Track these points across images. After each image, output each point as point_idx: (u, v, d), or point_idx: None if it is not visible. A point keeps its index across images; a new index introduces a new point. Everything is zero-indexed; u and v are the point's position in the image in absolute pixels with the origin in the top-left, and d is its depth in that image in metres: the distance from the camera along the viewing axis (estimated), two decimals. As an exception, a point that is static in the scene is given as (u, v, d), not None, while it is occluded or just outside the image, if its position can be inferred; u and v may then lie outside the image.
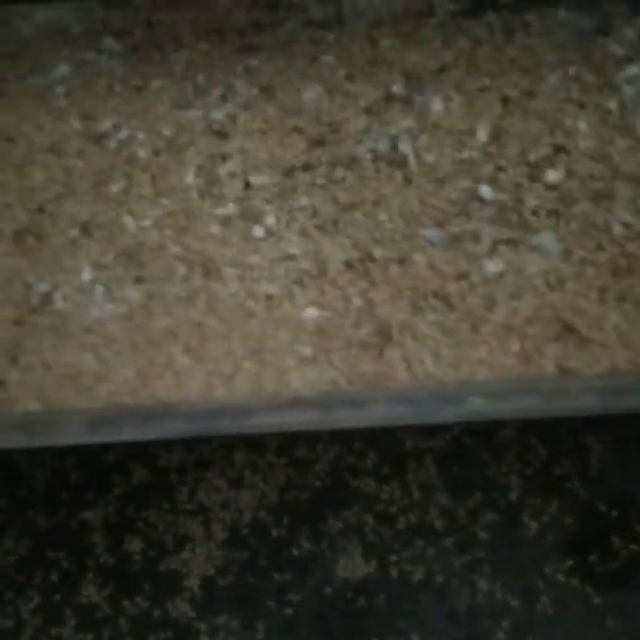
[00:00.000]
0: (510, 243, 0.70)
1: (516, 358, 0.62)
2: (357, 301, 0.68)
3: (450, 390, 0.57)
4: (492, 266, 0.68)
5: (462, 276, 0.68)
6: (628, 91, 0.80)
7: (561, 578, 0.93)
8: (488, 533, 0.95)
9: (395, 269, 0.69)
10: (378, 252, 0.71)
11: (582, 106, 0.79)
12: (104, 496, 1.00)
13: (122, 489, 1.00)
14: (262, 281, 0.69)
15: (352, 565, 0.95)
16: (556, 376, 0.58)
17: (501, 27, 0.86)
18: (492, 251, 0.69)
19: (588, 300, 0.64)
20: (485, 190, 0.73)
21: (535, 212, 0.72)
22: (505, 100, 0.81)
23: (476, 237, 0.70)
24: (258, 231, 0.74)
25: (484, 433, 1.04)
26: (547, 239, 0.69)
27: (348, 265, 0.71)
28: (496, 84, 0.82)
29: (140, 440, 0.63)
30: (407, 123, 0.79)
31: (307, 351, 0.65)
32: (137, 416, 0.58)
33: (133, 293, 0.68)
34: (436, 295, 0.67)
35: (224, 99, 0.83)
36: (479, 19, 0.87)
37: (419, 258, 0.70)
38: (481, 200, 0.73)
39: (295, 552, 0.96)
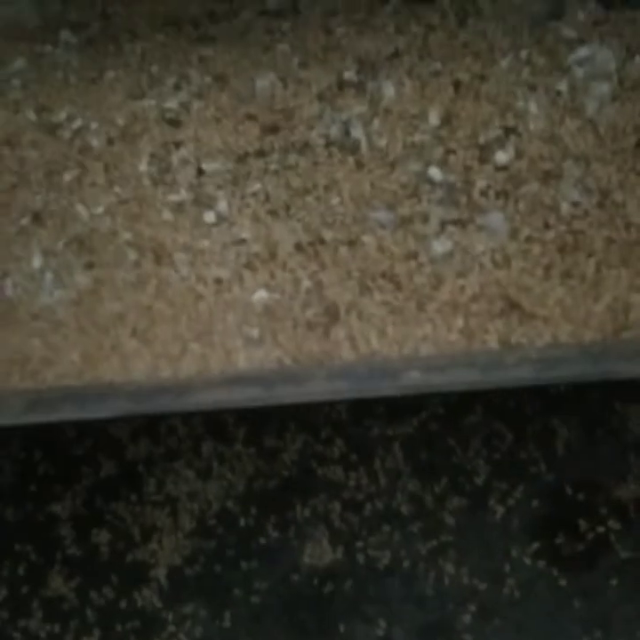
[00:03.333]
0: (459, 223, 0.70)
1: (460, 334, 0.63)
2: (306, 283, 0.68)
3: (388, 365, 0.58)
4: (440, 246, 0.68)
5: (410, 256, 0.68)
6: (579, 72, 0.81)
7: (527, 561, 0.93)
8: (455, 518, 0.96)
9: (344, 251, 0.70)
10: (328, 235, 0.71)
11: (533, 88, 0.79)
12: (72, 488, 1.01)
13: (90, 481, 1.00)
14: (212, 265, 0.70)
15: (319, 552, 0.95)
16: (498, 350, 0.59)
17: (454, 12, 0.87)
18: (441, 231, 0.70)
19: (533, 277, 0.65)
20: (435, 172, 0.74)
21: (484, 193, 0.72)
22: (457, 84, 0.81)
23: (425, 219, 0.71)
24: (209, 217, 0.74)
25: (450, 419, 1.05)
26: (495, 219, 0.70)
27: (299, 248, 0.71)
28: (448, 68, 0.82)
29: (85, 419, 0.63)
30: (359, 108, 0.80)
31: (254, 332, 0.66)
32: (76, 396, 0.59)
33: (83, 279, 0.68)
34: (384, 275, 0.67)
35: (178, 88, 0.83)
36: (433, 5, 0.88)
37: (368, 240, 0.71)
38: (431, 182, 0.74)
39: (262, 541, 0.96)
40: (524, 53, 0.83)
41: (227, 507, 0.98)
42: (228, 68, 0.85)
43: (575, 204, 0.70)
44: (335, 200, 0.74)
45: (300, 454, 1.01)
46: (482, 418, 1.03)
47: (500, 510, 0.95)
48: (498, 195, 0.72)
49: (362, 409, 1.02)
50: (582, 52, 0.82)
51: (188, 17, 0.90)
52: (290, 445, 1.02)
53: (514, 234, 0.69)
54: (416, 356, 0.58)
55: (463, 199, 0.72)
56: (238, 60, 0.85)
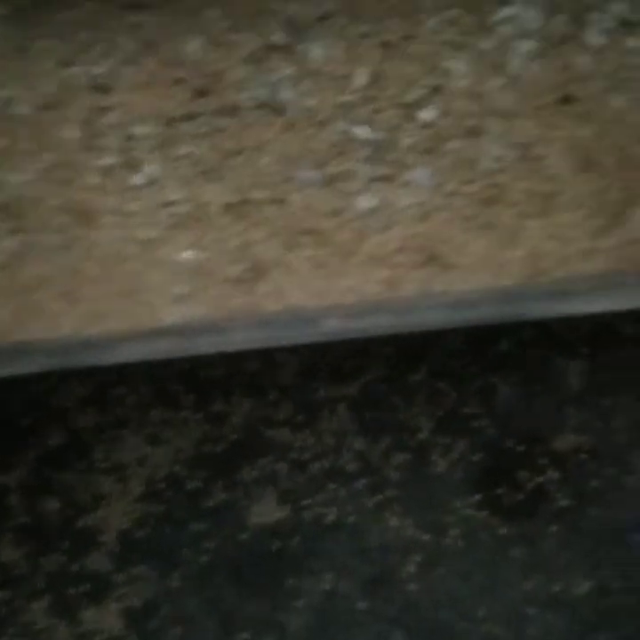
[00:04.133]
0: (384, 179, 0.72)
1: (382, 285, 0.64)
2: (234, 241, 0.69)
3: (307, 313, 0.59)
4: (366, 202, 0.69)
5: (336, 213, 0.69)
6: (503, 31, 0.82)
7: (469, 511, 0.96)
8: (399, 473, 0.98)
9: (272, 210, 0.71)
10: (256, 195, 0.72)
11: (458, 47, 0.80)
12: (20, 459, 1.02)
13: (38, 451, 1.01)
14: (141, 227, 0.70)
15: (266, 511, 0.97)
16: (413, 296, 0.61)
17: (384, -26, 0.88)
18: (366, 188, 0.71)
19: (454, 229, 0.67)
20: (362, 131, 0.75)
21: (410, 150, 0.74)
22: (385, 45, 0.82)
23: (351, 176, 0.72)
24: (139, 179, 0.74)
25: (394, 379, 1.07)
26: (419, 174, 0.71)
27: (228, 208, 0.72)
28: (377, 29, 0.83)
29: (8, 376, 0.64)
30: (288, 70, 0.80)
31: (182, 290, 0.67)
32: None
33: (9, 244, 0.69)
34: (310, 232, 0.68)
35: (107, 55, 0.83)
36: (363, -33, 0.89)
37: (295, 198, 0.72)
38: (358, 141, 0.75)
39: (210, 502, 0.98)
40: (451, 13, 0.84)
41: (175, 471, 0.99)
42: (158, 33, 0.85)
43: (497, 159, 0.72)
44: (264, 161, 0.75)
45: (247, 418, 1.02)
46: (425, 377, 1.06)
47: (443, 464, 0.98)
48: (423, 152, 0.74)
49: (308, 372, 1.04)
50: (507, 10, 0.83)
51: (119, -17, 0.90)
52: (237, 409, 1.03)
53: (437, 188, 0.70)
54: (334, 305, 0.60)
55: (389, 156, 0.73)
56: (168, 25, 0.85)
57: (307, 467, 0.99)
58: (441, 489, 0.97)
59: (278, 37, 0.88)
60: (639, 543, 0.87)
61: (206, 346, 0.63)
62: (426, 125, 0.75)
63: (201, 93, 0.82)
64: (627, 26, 0.85)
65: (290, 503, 0.97)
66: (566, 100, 0.77)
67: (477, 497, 0.96)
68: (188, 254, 0.70)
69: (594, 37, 0.83)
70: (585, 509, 0.95)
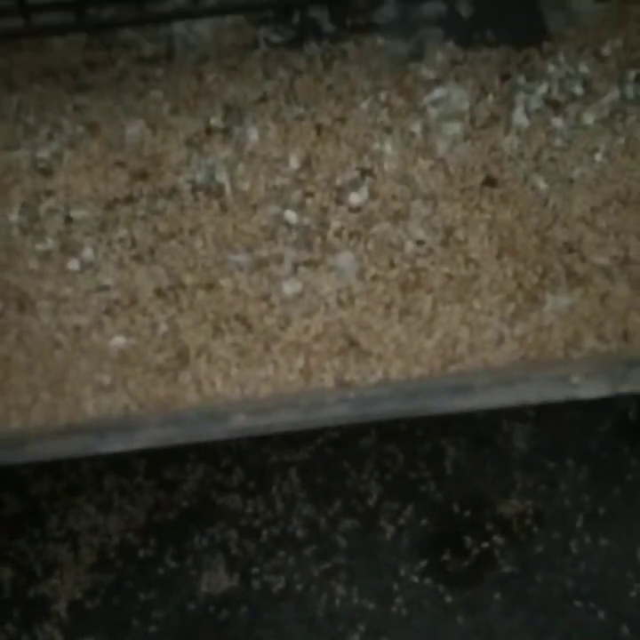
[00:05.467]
0: (310, 264, 0.74)
1: (299, 374, 0.66)
2: (163, 327, 0.71)
3: (217, 409, 0.61)
4: (291, 287, 0.71)
5: (263, 297, 0.71)
6: (433, 113, 0.84)
7: (415, 579, 0.97)
8: (347, 540, 0.99)
9: (202, 295, 0.73)
10: (188, 279, 0.74)
11: (389, 130, 0.83)
12: None
13: (-9, 519, 1.03)
14: (73, 312, 0.72)
15: (215, 580, 0.98)
16: (332, 389, 0.62)
17: (321, 56, 0.91)
18: (293, 273, 0.73)
19: (373, 315, 0.68)
20: (291, 215, 0.77)
21: (338, 234, 0.76)
22: (319, 128, 0.85)
23: (279, 260, 0.74)
24: (74, 264, 0.76)
25: (345, 443, 1.08)
26: (344, 259, 0.73)
27: (159, 293, 0.74)
28: (311, 112, 0.86)
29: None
30: (225, 153, 0.83)
31: (105, 379, 0.69)
32: None
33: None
34: (237, 318, 0.70)
35: (51, 137, 0.85)
36: (301, 50, 0.92)
37: (225, 283, 0.74)
38: (288, 225, 0.77)
39: (160, 571, 0.99)
40: (383, 95, 0.87)
41: (127, 539, 1.00)
42: (101, 115, 0.87)
43: (420, 243, 0.74)
44: (198, 244, 0.77)
45: (200, 484, 1.04)
46: (375, 440, 1.07)
47: (391, 530, 0.99)
48: (350, 235, 0.76)
49: (261, 437, 1.05)
50: (438, 92, 0.86)
51: (67, 67, 0.92)
52: (190, 476, 1.04)
53: (361, 273, 0.72)
54: (245, 399, 0.61)
55: (318, 240, 0.75)
56: (111, 107, 0.88)
57: (257, 534, 1.00)
58: (388, 555, 0.98)
59: (217, 120, 0.91)
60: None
61: (116, 445, 0.64)
62: (354, 209, 0.77)
63: (140, 176, 0.84)
64: (552, 106, 0.88)
65: (239, 572, 0.98)
66: (490, 182, 0.79)
67: (423, 563, 0.96)
68: (116, 341, 0.72)
69: (520, 118, 0.86)
70: (529, 575, 0.96)
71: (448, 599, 0.93)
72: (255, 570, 0.96)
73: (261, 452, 1.06)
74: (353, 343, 0.66)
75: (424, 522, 0.98)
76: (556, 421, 1.05)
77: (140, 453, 1.09)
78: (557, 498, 0.98)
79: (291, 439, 1.06)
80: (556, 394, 0.62)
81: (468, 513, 0.98)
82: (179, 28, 0.95)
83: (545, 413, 1.06)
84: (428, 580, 0.94)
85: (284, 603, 0.95)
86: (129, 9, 0.88)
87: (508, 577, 0.94)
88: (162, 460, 1.06)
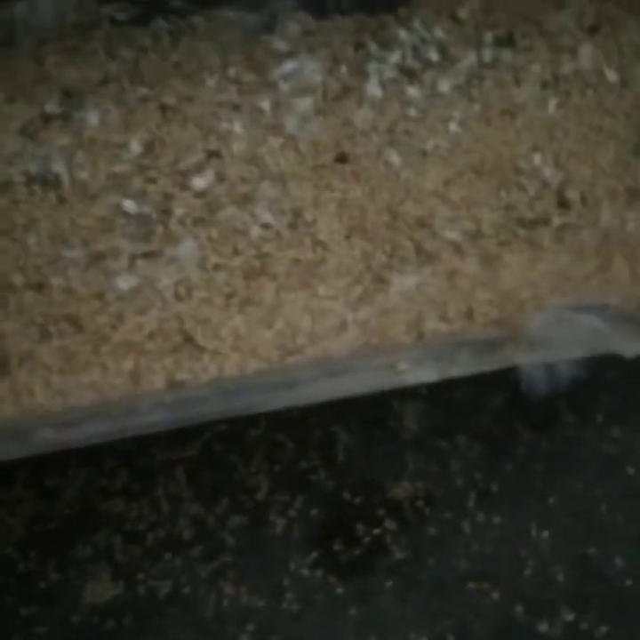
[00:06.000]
0: (149, 256, 0.69)
1: (127, 377, 0.62)
2: (-13, 335, 0.67)
3: (20, 423, 0.57)
4: (126, 282, 0.67)
5: (97, 295, 0.67)
6: (284, 87, 0.80)
7: (306, 572, 0.93)
8: (235, 537, 0.95)
9: (31, 296, 0.68)
10: (18, 280, 0.69)
11: (237, 108, 0.78)
12: None
13: None
14: None
15: (100, 589, 0.93)
16: (164, 391, 0.59)
17: (168, 33, 0.85)
18: (129, 266, 0.69)
19: (212, 308, 0.65)
20: (130, 205, 0.72)
21: (181, 222, 0.71)
22: (164, 109, 0.80)
23: (116, 254, 0.70)
24: None
25: (233, 435, 1.04)
26: (185, 249, 0.69)
27: (-15, 297, 0.69)
28: (156, 92, 0.81)
29: None
30: (63, 141, 0.77)
31: None
32: None
33: None
34: (67, 319, 0.65)
35: None
36: (147, 27, 0.86)
37: (57, 281, 0.69)
38: (126, 215, 0.73)
39: (42, 584, 0.94)
40: (232, 71, 0.82)
41: (6, 553, 0.95)
42: None
43: (266, 227, 0.70)
44: (32, 240, 0.72)
45: (82, 491, 0.99)
46: (264, 431, 1.04)
47: (281, 523, 0.95)
48: (194, 223, 0.72)
49: (147, 436, 1.01)
50: (289, 65, 0.82)
51: None
52: (72, 482, 1.00)
53: (202, 263, 0.68)
54: (51, 412, 0.57)
55: (159, 230, 0.71)
56: (-58, 98, 0.83)
57: (142, 538, 0.96)
58: (278, 550, 0.94)
59: (54, 106, 0.85)
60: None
61: None
62: (199, 194, 0.73)
63: None
64: (406, 74, 0.84)
65: (124, 578, 0.94)
66: (342, 158, 0.75)
67: (314, 555, 0.93)
68: None
69: (374, 89, 0.82)
70: (422, 560, 0.94)
71: (339, 590, 0.90)
72: (141, 575, 0.92)
73: (147, 453, 1.02)
74: (188, 339, 0.62)
75: (315, 512, 0.95)
76: (448, 398, 1.03)
77: (18, 461, 1.05)
78: (449, 478, 0.96)
79: (177, 436, 1.02)
80: (383, 383, 0.60)
81: (359, 499, 0.95)
82: (20, 9, 0.89)
83: (436, 391, 1.03)
84: (319, 573, 0.91)
85: (170, 607, 0.91)
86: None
87: (399, 563, 0.91)
88: (42, 466, 1.01)
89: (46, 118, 0.80)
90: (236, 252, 0.69)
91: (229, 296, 0.65)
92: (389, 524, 0.94)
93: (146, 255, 0.68)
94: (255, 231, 0.70)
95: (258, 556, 0.94)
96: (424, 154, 0.74)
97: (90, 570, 0.94)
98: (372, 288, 0.65)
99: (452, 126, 0.76)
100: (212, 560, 0.93)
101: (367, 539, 0.93)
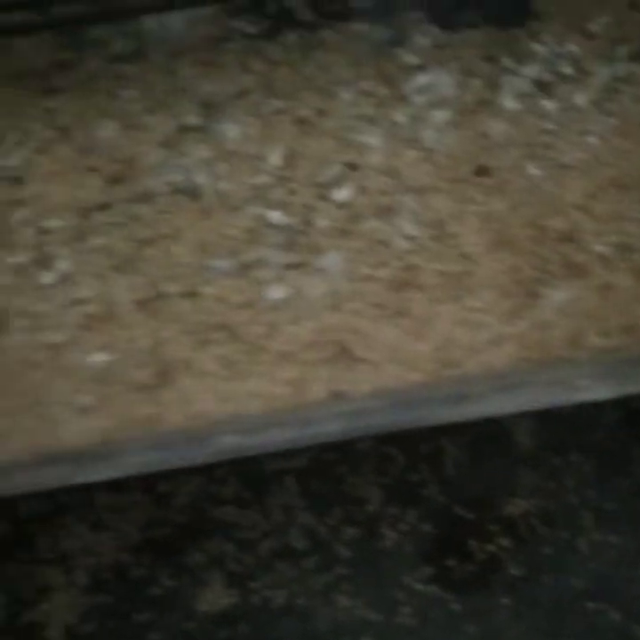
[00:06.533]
0: (297, 267, 0.70)
1: (288, 387, 0.62)
2: (145, 342, 0.67)
3: (202, 431, 0.57)
4: (277, 292, 0.68)
5: (248, 304, 0.68)
6: (418, 100, 0.81)
7: (420, 587, 0.93)
8: (348, 549, 0.96)
9: (184, 305, 0.69)
10: (169, 288, 0.70)
11: (373, 121, 0.79)
12: None
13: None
14: (49, 329, 0.69)
15: (213, 597, 0.94)
16: (325, 401, 0.59)
17: (299, 46, 0.87)
18: (279, 277, 0.69)
19: (364, 319, 0.65)
20: (275, 215, 0.74)
21: (324, 233, 0.72)
22: (299, 122, 0.81)
23: (264, 264, 0.70)
24: (48, 277, 0.73)
25: (342, 448, 1.04)
26: (331, 260, 0.70)
27: (139, 304, 0.70)
28: (291, 105, 0.82)
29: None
30: (203, 152, 0.79)
31: (85, 400, 0.65)
32: None
33: None
34: (221, 327, 0.66)
35: (20, 144, 0.81)
36: (277, 40, 0.88)
37: (208, 290, 0.70)
38: (271, 226, 0.74)
39: (156, 591, 0.95)
40: (365, 84, 0.83)
41: (120, 559, 0.97)
42: (73, 119, 0.84)
43: (410, 238, 0.70)
44: (178, 250, 0.74)
45: (194, 498, 1.00)
46: (373, 443, 1.04)
47: (393, 536, 0.95)
48: (337, 234, 0.72)
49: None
50: (422, 79, 0.82)
51: (35, 69, 0.88)
52: (183, 489, 1.01)
53: (349, 274, 0.69)
54: (232, 418, 0.57)
55: (303, 241, 0.72)
56: (83, 109, 0.84)
57: (254, 547, 0.97)
58: (390, 564, 0.94)
59: (193, 118, 0.87)
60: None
61: (96, 474, 0.61)
62: (340, 206, 0.74)
63: (115, 180, 0.81)
64: (541, 88, 0.84)
65: (237, 587, 0.94)
66: (481, 171, 0.75)
67: (428, 570, 0.93)
68: (94, 359, 0.68)
69: (509, 102, 0.82)
70: (538, 577, 0.93)
71: (455, 606, 0.90)
72: (254, 584, 0.92)
73: (256, 461, 1.03)
74: (344, 350, 0.62)
75: (426, 526, 0.94)
76: (560, 414, 1.02)
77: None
78: (563, 495, 0.95)
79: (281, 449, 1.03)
80: (561, 398, 0.59)
81: (471, 515, 0.95)
82: (149, 23, 0.91)
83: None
84: (433, 588, 0.90)
85: (285, 618, 0.91)
86: (96, 5, 0.84)
87: (515, 580, 0.90)
88: (153, 472, 1.03)
89: (185, 130, 0.82)
90: (381, 264, 0.69)
91: (380, 307, 0.66)
92: (503, 541, 0.93)
93: (293, 266, 0.69)
94: (399, 243, 0.70)
95: (371, 568, 0.94)
96: (564, 167, 0.74)
97: (203, 577, 0.94)
98: (524, 302, 0.65)
99: (591, 139, 0.76)
100: (325, 572, 0.94)
101: (481, 555, 0.92)
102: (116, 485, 1.02)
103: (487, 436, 1.02)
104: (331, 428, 0.57)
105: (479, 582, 0.92)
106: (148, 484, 1.02)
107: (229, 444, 0.57)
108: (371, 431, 0.59)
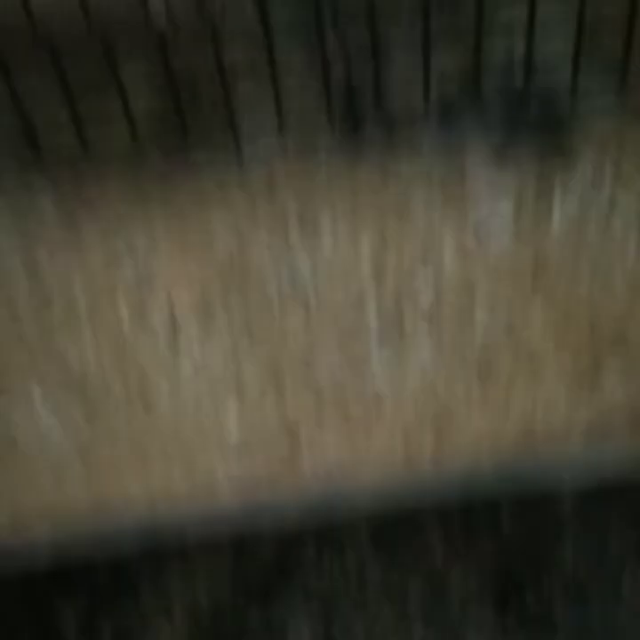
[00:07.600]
0: (393, 360, 0.82)
1: (399, 458, 0.75)
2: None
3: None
4: (378, 388, 0.80)
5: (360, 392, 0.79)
6: (482, 223, 0.93)
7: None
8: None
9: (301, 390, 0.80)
10: (284, 366, 0.80)
11: (445, 240, 0.90)
12: (71, 603, 1.07)
13: (86, 594, 1.07)
14: (191, 404, 0.80)
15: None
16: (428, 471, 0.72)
17: (379, 173, 0.96)
18: (379, 369, 0.80)
19: (456, 402, 0.77)
20: (370, 318, 0.85)
21: (413, 333, 0.84)
22: (383, 238, 0.89)
23: (366, 359, 0.80)
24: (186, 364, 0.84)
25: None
26: (422, 354, 0.82)
27: (262, 384, 0.82)
28: (374, 225, 0.89)
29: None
30: (305, 262, 0.91)
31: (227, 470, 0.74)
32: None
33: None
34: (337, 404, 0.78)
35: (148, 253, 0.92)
36: (360, 167, 0.95)
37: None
38: (368, 328, 0.84)
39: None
40: (436, 209, 0.93)
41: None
42: (189, 234, 0.94)
43: (485, 337, 0.83)
44: (291, 345, 0.87)
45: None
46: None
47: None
48: (424, 333, 0.86)
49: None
50: (484, 206, 0.92)
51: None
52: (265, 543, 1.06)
53: (438, 365, 0.82)
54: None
55: (395, 338, 0.85)
56: (200, 227, 0.94)
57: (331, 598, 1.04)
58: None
59: (293, 232, 1.00)
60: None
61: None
62: (424, 312, 0.86)
63: (232, 288, 0.91)
64: (584, 212, 0.96)
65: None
66: (539, 283, 0.88)
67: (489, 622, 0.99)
68: (234, 433, 0.81)
69: (559, 224, 0.95)
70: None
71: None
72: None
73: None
74: (442, 429, 0.75)
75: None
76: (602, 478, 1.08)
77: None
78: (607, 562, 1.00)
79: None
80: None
81: (527, 573, 1.02)
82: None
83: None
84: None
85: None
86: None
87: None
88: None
89: (288, 241, 0.95)
90: (464, 360, 0.82)
91: (467, 392, 0.78)
92: (557, 598, 0.99)
93: (390, 360, 0.82)
94: (477, 342, 0.83)
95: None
96: (610, 275, 0.86)
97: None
98: (587, 392, 0.76)
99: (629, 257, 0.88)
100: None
101: (536, 609, 0.99)
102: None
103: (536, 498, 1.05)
104: (446, 494, 0.67)
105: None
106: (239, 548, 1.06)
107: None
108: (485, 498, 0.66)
